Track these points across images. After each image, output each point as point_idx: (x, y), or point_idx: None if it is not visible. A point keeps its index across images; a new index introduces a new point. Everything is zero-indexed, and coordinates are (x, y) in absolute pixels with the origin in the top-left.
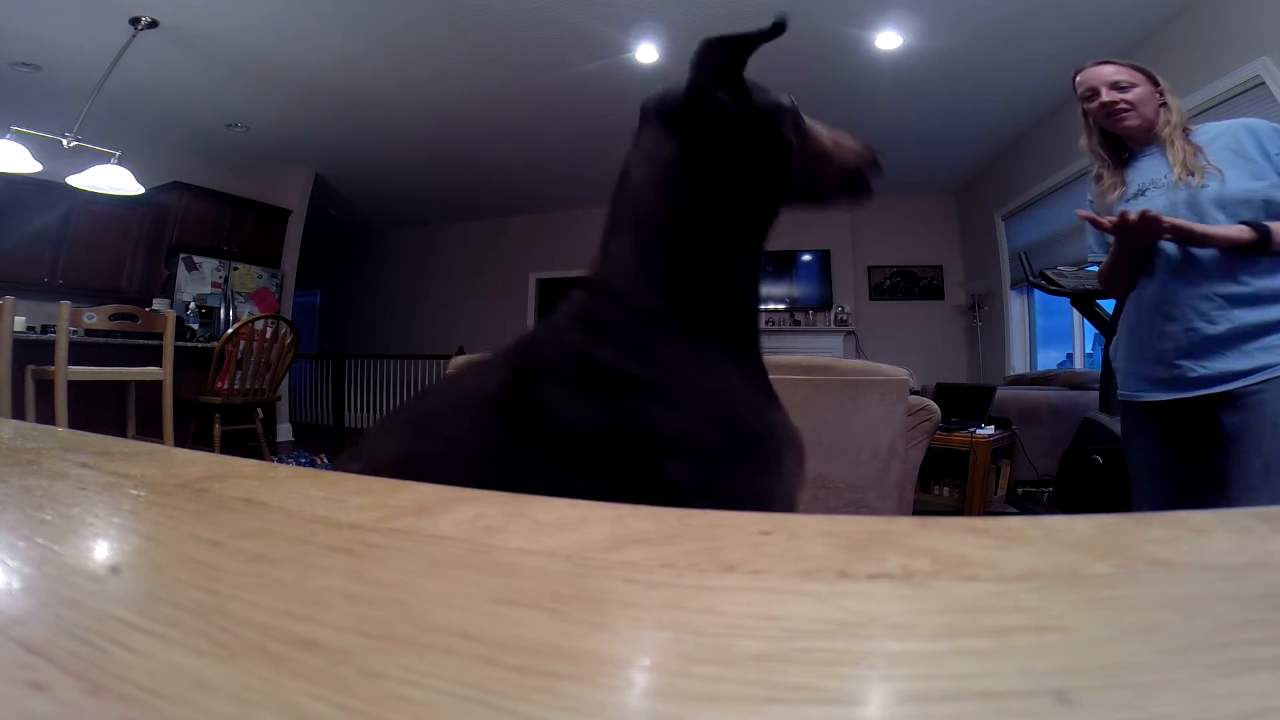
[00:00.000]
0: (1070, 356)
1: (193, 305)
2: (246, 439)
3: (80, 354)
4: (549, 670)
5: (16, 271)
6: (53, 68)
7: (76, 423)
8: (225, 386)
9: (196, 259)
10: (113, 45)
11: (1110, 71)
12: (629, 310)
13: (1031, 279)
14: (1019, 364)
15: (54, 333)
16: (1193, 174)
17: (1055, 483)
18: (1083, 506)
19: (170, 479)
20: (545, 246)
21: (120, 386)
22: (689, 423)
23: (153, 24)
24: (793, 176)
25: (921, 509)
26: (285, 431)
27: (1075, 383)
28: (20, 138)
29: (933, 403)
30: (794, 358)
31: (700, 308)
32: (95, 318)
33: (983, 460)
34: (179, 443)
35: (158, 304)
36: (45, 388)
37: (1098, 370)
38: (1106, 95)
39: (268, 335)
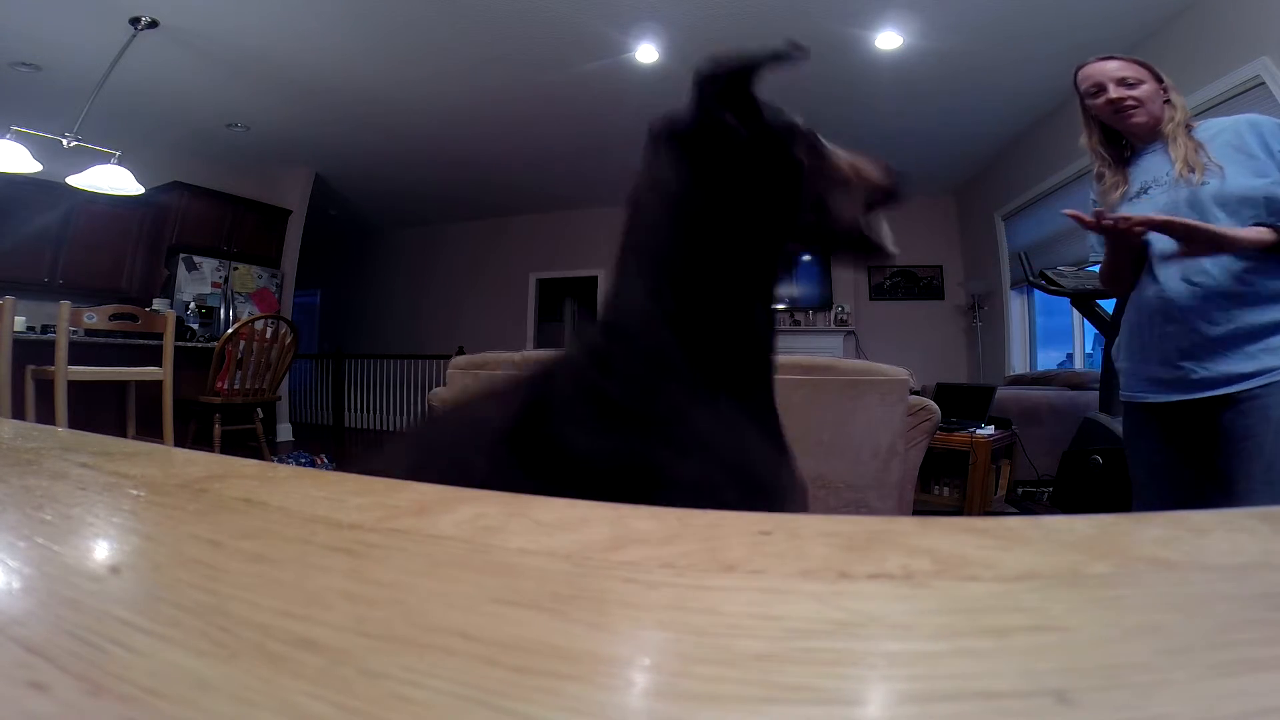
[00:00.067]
0: (1070, 356)
1: (193, 305)
2: (246, 439)
3: (80, 354)
4: (549, 670)
5: (16, 271)
6: (53, 68)
7: (76, 423)
8: (225, 386)
9: (196, 259)
10: (113, 45)
11: (1116, 67)
12: (641, 354)
13: (1031, 279)
14: (1019, 364)
15: (54, 333)
16: (1193, 170)
17: (1055, 483)
18: (1083, 506)
19: (170, 479)
20: (545, 246)
21: (120, 386)
22: (698, 471)
23: (153, 24)
24: (804, 203)
25: (921, 509)
26: (285, 431)
27: (1075, 383)
28: (20, 138)
29: (933, 403)
30: (794, 358)
31: (712, 352)
32: (95, 318)
33: (983, 460)
34: (179, 443)
35: (158, 304)
36: (45, 388)
37: (1098, 370)
38: (1115, 92)
39: (268, 335)
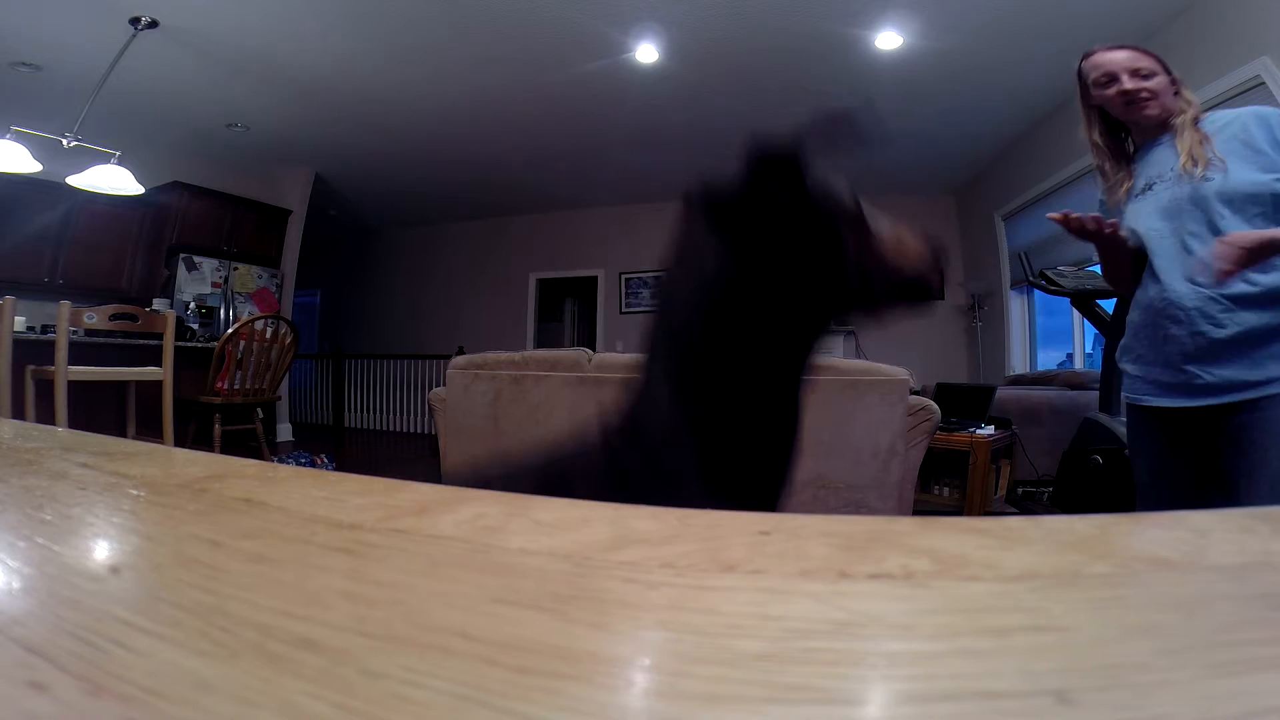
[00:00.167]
0: (1070, 356)
1: (193, 305)
2: (246, 439)
3: (80, 354)
4: (549, 670)
5: (16, 271)
6: (53, 68)
7: (76, 423)
8: (225, 386)
9: (196, 259)
10: (113, 45)
11: (1128, 57)
12: (656, 468)
13: (1031, 279)
14: (1019, 364)
15: (54, 333)
16: (1197, 163)
17: (1055, 483)
18: (1083, 506)
19: (170, 479)
20: (545, 246)
21: (120, 386)
22: None
23: (153, 24)
24: (847, 281)
25: (921, 509)
26: (285, 431)
27: (1075, 383)
28: (20, 138)
29: (933, 403)
30: None
31: (731, 471)
32: (95, 318)
33: (983, 460)
34: (179, 443)
35: (158, 304)
36: (45, 388)
37: (1098, 370)
38: (1129, 83)
39: (268, 335)
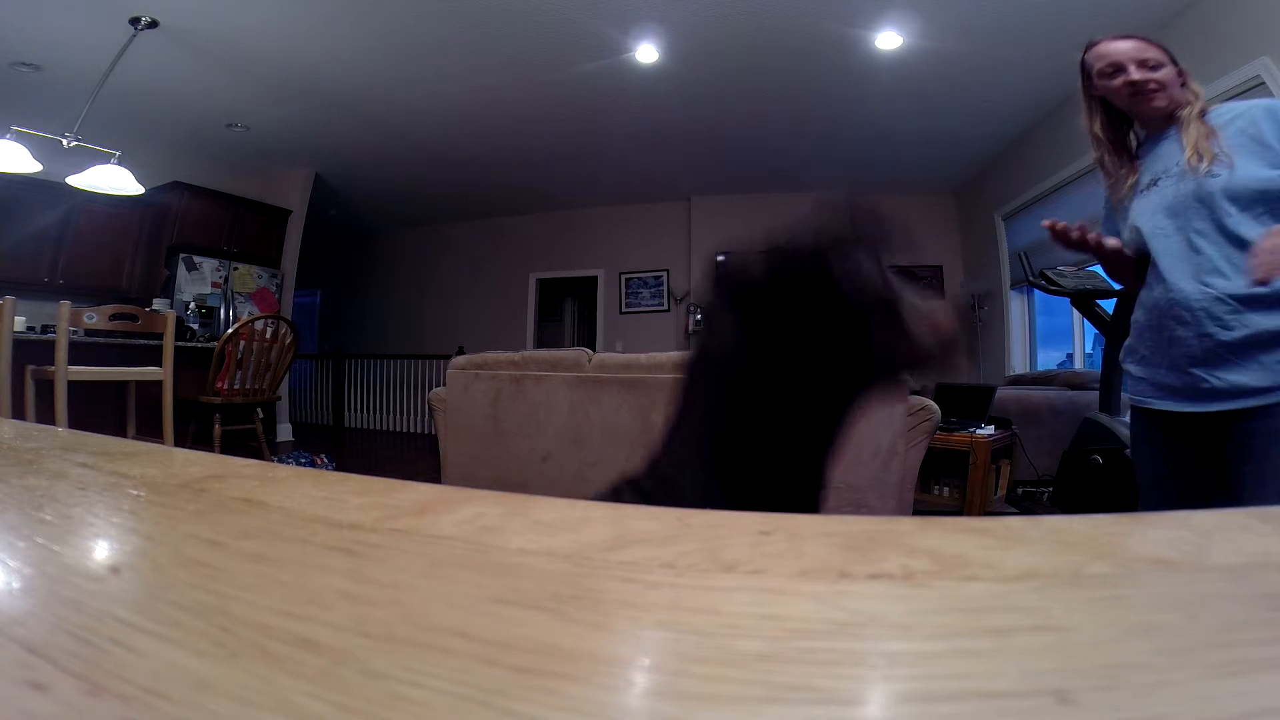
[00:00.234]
0: (1070, 356)
1: (193, 305)
2: (246, 439)
3: (80, 354)
4: (549, 670)
5: (16, 271)
6: (53, 68)
7: (76, 423)
8: (225, 386)
9: (196, 259)
10: (113, 45)
11: (1135, 47)
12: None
13: (1031, 279)
14: (1019, 364)
15: (54, 333)
16: (1202, 158)
17: (1055, 483)
18: (1083, 506)
19: (170, 479)
20: (545, 246)
21: (120, 386)
22: None
23: (153, 24)
24: (874, 363)
25: (921, 509)
26: (285, 431)
27: (1075, 383)
28: (20, 138)
29: (933, 403)
30: None
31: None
32: (95, 318)
33: (983, 460)
34: (179, 443)
35: (158, 304)
36: (45, 388)
37: (1098, 370)
38: (1137, 73)
39: (268, 335)
